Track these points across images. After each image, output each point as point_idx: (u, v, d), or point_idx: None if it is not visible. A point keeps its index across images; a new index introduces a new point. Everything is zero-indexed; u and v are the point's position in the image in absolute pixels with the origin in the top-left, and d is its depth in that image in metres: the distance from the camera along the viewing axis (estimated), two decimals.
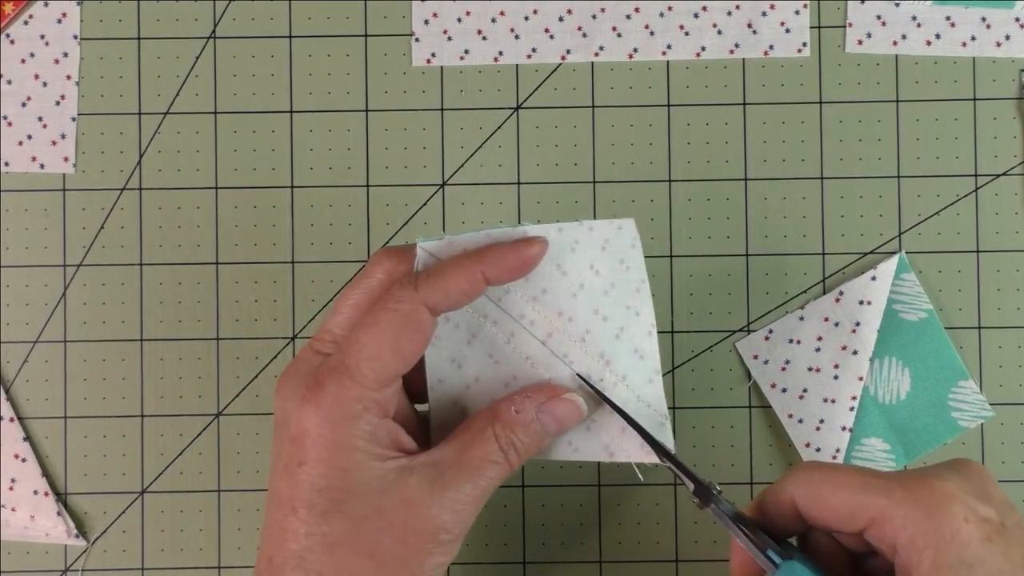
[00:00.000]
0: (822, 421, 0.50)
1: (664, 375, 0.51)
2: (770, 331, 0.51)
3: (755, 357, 0.51)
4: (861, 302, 0.50)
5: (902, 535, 0.37)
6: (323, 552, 0.39)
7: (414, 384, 0.43)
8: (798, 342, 0.50)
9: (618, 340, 0.43)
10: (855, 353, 0.50)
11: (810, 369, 0.50)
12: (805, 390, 0.50)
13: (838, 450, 0.50)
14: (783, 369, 0.50)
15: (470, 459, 0.40)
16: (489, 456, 0.40)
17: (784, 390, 0.50)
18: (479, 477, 0.40)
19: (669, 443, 0.42)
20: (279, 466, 0.40)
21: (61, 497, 0.52)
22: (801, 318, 0.51)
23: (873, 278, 0.50)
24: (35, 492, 0.51)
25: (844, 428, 0.50)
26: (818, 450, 0.50)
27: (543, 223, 0.42)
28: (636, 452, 0.43)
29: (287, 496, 0.40)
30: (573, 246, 0.44)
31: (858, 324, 0.50)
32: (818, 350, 0.50)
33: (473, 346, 0.43)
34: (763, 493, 0.41)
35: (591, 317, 0.44)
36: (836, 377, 0.50)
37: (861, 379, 0.50)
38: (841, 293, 0.50)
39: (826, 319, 0.50)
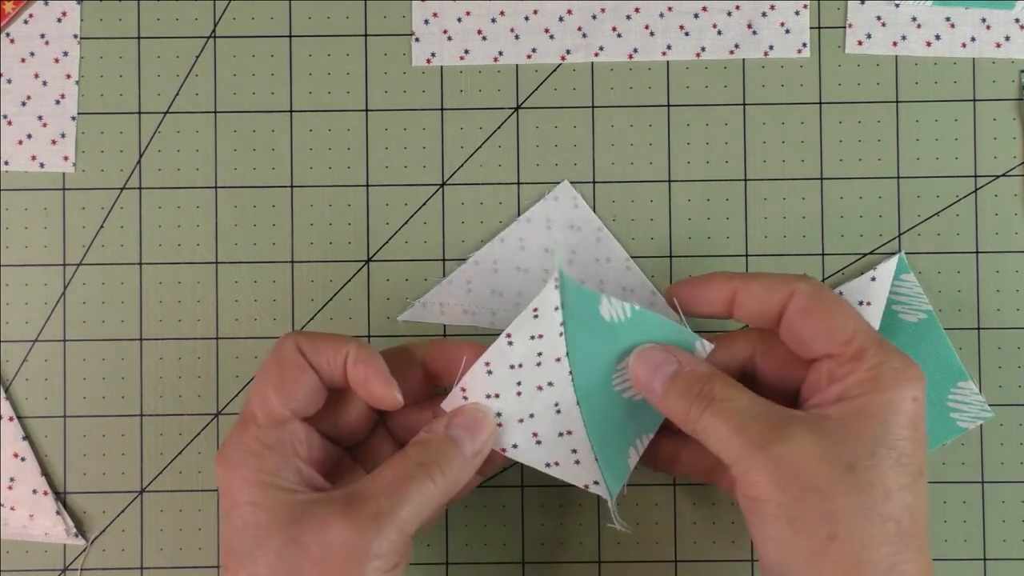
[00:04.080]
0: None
1: None
2: None
3: None
4: (861, 303, 0.50)
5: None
6: None
7: (340, 427, 0.46)
8: None
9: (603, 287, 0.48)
10: None
11: None
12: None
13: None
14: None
15: (384, 481, 0.42)
16: (404, 474, 0.42)
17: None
18: (397, 496, 0.41)
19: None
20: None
21: (60, 496, 0.52)
22: None
23: (873, 279, 0.50)
24: (34, 491, 0.51)
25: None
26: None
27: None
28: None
29: (222, 558, 0.42)
30: (521, 244, 0.50)
31: None
32: None
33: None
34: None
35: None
36: None
37: None
38: (840, 294, 0.50)
39: None
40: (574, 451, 0.44)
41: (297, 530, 0.40)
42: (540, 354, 0.44)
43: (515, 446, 0.45)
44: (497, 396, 0.44)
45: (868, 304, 0.50)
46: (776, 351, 0.45)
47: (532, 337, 0.44)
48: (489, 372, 0.44)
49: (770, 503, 0.39)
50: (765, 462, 0.39)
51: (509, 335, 0.44)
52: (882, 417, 0.40)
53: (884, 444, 0.40)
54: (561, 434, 0.45)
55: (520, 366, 0.44)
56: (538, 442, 0.45)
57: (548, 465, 0.45)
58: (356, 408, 0.46)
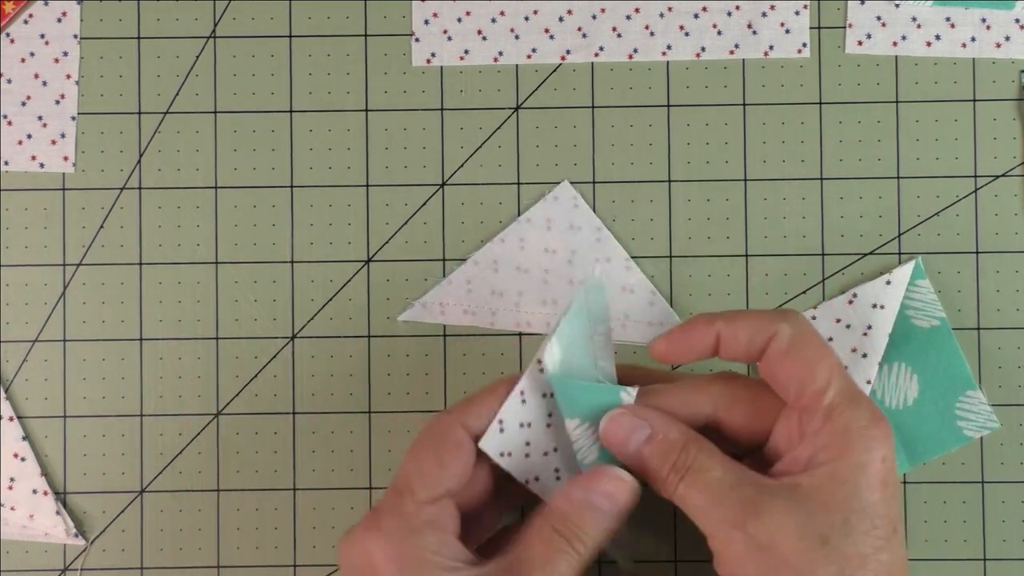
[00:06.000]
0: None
1: None
2: None
3: None
4: (874, 305, 0.50)
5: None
6: None
7: (471, 498, 0.44)
8: None
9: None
10: (864, 356, 0.49)
11: None
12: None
13: None
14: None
15: (536, 556, 0.41)
16: (554, 547, 0.41)
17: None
18: (550, 569, 0.40)
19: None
20: None
21: (60, 496, 0.52)
22: (813, 318, 0.50)
23: (888, 282, 0.50)
24: (34, 491, 0.51)
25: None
26: None
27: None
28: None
29: None
30: (521, 244, 0.50)
31: (869, 327, 0.50)
32: None
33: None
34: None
35: (568, 288, 0.50)
36: None
37: (869, 383, 0.49)
38: (855, 295, 0.50)
39: (838, 320, 0.50)
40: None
41: None
42: (550, 415, 0.44)
43: (537, 479, 0.44)
44: (529, 425, 0.43)
45: (882, 307, 0.50)
46: (739, 405, 0.44)
47: (544, 395, 0.43)
48: (523, 401, 0.43)
49: None
50: (741, 540, 0.39)
51: (522, 392, 0.43)
52: (853, 483, 0.39)
53: (855, 511, 0.39)
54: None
55: (530, 425, 0.44)
56: (557, 478, 0.44)
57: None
58: (483, 477, 0.44)
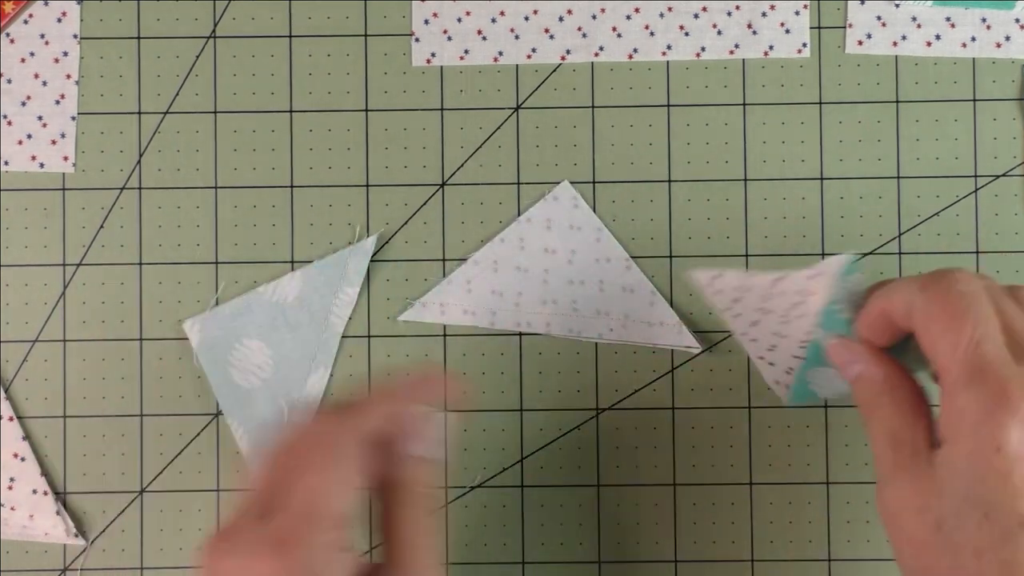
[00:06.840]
0: (774, 346, 0.47)
1: (663, 375, 0.51)
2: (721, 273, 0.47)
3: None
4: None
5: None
6: None
7: None
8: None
9: (603, 292, 0.50)
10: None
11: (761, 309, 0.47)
12: (757, 321, 0.47)
13: (790, 369, 0.47)
14: (736, 300, 0.47)
15: (419, 544, 0.39)
16: (425, 531, 0.39)
17: (738, 315, 0.47)
18: (429, 548, 0.39)
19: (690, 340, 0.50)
20: None
21: (60, 496, 0.52)
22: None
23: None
24: (34, 491, 0.51)
25: (795, 356, 0.47)
26: (772, 364, 0.47)
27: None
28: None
29: None
30: (521, 244, 0.51)
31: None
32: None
33: None
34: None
35: (568, 288, 0.51)
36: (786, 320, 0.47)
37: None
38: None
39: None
40: None
41: None
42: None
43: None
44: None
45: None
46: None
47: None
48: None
49: (891, 542, 0.38)
50: (879, 503, 0.39)
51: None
52: (964, 471, 0.36)
53: (967, 500, 0.36)
54: None
55: None
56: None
57: None
58: None
